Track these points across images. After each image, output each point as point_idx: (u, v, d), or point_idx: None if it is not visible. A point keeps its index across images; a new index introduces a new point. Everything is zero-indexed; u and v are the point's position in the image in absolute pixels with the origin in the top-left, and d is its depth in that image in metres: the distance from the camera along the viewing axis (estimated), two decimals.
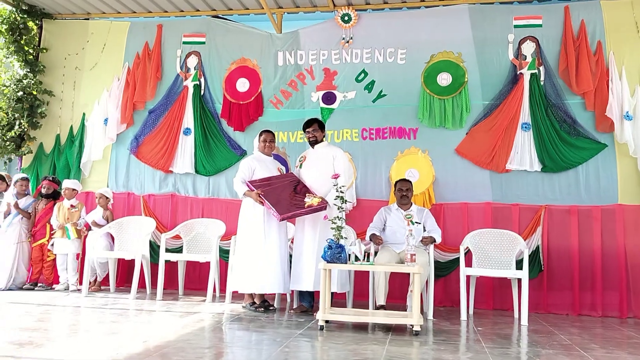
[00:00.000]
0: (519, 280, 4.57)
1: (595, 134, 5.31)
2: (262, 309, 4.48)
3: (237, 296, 4.89)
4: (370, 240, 4.89)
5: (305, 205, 4.38)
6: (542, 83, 5.45)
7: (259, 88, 6.04)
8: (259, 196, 4.40)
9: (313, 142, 4.75)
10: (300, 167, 4.79)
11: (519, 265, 4.69)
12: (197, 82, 6.14)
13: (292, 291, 4.77)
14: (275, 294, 4.71)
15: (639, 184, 5.03)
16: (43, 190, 5.74)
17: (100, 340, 3.23)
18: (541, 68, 5.48)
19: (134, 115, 6.23)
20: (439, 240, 4.85)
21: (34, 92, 6.27)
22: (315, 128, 4.72)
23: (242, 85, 6.06)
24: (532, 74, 5.47)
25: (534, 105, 5.41)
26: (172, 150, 6.05)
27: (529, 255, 4.91)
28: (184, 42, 6.26)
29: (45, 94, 6.34)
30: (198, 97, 6.09)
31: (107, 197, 5.78)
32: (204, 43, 6.22)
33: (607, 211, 5.16)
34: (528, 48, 5.53)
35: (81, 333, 3.56)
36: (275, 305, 4.72)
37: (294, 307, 4.65)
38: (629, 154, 5.16)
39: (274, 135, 4.88)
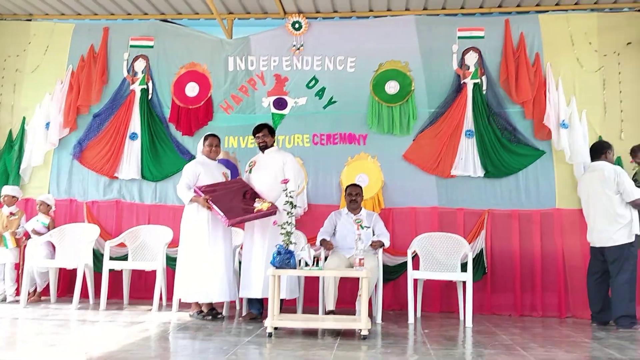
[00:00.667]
0: (464, 282, 4.71)
1: (534, 141, 5.55)
2: (210, 317, 4.42)
3: (184, 305, 4.78)
4: (321, 245, 4.92)
5: (255, 210, 4.36)
6: (484, 92, 5.66)
7: (208, 93, 5.98)
8: (207, 202, 4.35)
9: (263, 147, 4.74)
10: (250, 172, 4.77)
11: (464, 268, 4.82)
12: (145, 86, 6.01)
13: (241, 298, 4.73)
14: (223, 302, 4.66)
15: (574, 189, 5.28)
16: None
17: (38, 353, 3.10)
18: (483, 78, 5.68)
19: (77, 120, 6.03)
20: (387, 244, 4.94)
21: None
22: (265, 133, 4.71)
23: (192, 89, 5.98)
24: (475, 84, 5.67)
25: (476, 113, 5.60)
26: (118, 155, 5.89)
27: (474, 258, 5.11)
28: (132, 46, 6.12)
29: None
30: (145, 101, 5.96)
31: (48, 204, 5.56)
32: (152, 47, 6.11)
33: (545, 215, 5.39)
34: (471, 58, 5.73)
35: (19, 345, 3.41)
36: (223, 313, 4.67)
37: (243, 314, 4.61)
38: (565, 161, 5.42)
39: (219, 139, 4.86)
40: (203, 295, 4.38)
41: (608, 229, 4.57)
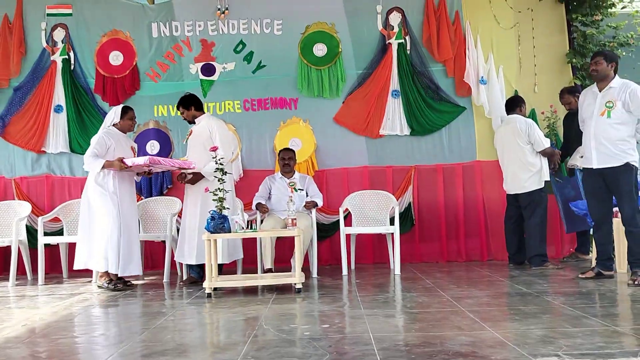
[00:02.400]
0: (392, 234, 5.01)
1: (456, 98, 5.85)
2: (120, 286, 4.38)
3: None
4: (257, 209, 5.07)
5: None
6: (408, 52, 5.86)
7: (133, 61, 5.87)
8: (122, 161, 4.30)
9: (190, 122, 4.82)
10: (186, 142, 4.87)
11: (392, 222, 5.12)
12: (66, 57, 5.82)
13: (181, 263, 4.84)
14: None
15: (493, 142, 5.63)
16: None
17: None
18: (407, 38, 5.88)
19: None
20: (320, 204, 5.16)
21: None
22: (181, 110, 4.75)
23: (116, 58, 5.85)
24: (399, 44, 5.86)
25: (402, 73, 5.81)
26: (44, 129, 5.73)
27: (402, 212, 5.43)
28: (48, 14, 5.87)
29: None
30: (68, 72, 5.79)
31: None
32: (70, 15, 5.88)
33: (467, 167, 5.75)
34: (395, 19, 5.90)
35: None
36: (165, 278, 4.78)
37: (184, 279, 4.74)
38: (484, 115, 5.76)
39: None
40: (115, 267, 4.30)
41: (521, 177, 4.95)
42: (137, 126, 5.78)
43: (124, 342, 2.63)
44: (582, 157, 4.41)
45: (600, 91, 4.07)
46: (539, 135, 4.93)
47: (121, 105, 4.74)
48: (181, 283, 4.66)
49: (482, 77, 5.79)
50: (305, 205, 5.03)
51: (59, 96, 5.79)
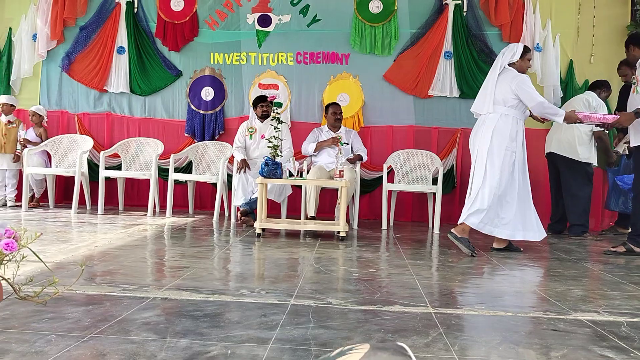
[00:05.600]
0: (434, 194, 5.15)
1: None
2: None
3: (177, 211, 5.16)
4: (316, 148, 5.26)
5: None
6: (464, 14, 5.83)
7: (194, 8, 6.02)
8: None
9: (265, 116, 5.11)
10: (251, 137, 5.15)
11: (435, 182, 5.25)
12: (130, 0, 6.02)
13: (238, 207, 5.04)
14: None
15: None
16: None
17: (53, 246, 3.45)
18: None
19: (64, 32, 6.08)
20: (365, 158, 5.33)
21: None
22: (268, 104, 5.10)
23: (177, 4, 6.01)
24: (456, 5, 5.83)
25: (456, 35, 5.80)
26: (106, 69, 6.02)
27: (444, 174, 5.53)
28: None
29: None
30: (131, 15, 6.01)
31: (40, 115, 5.74)
32: None
33: None
34: None
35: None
36: (215, 218, 5.07)
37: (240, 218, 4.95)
38: (536, 82, 5.73)
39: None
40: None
41: (572, 144, 4.95)
42: (194, 72, 6.00)
43: (189, 268, 2.89)
44: (626, 143, 4.40)
45: None
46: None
47: (522, 44, 4.12)
48: (239, 221, 4.92)
49: (538, 44, 5.74)
50: (349, 160, 5.20)
51: (122, 38, 6.03)
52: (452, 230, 3.84)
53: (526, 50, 4.02)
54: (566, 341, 1.85)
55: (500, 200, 3.83)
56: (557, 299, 2.48)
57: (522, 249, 4.01)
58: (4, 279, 1.17)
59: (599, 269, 3.41)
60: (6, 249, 1.07)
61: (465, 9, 5.83)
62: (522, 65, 3.98)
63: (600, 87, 5.14)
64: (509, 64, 3.99)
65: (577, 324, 2.07)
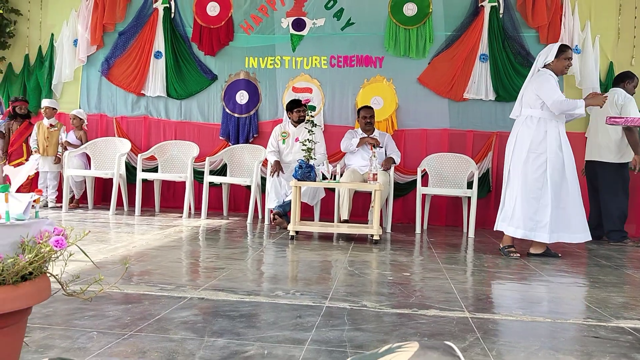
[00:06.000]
0: (469, 198, 5.08)
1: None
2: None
3: (212, 213, 5.24)
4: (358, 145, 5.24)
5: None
6: (500, 16, 5.74)
7: (229, 12, 6.11)
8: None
9: (300, 121, 5.18)
10: (283, 142, 5.20)
11: (470, 186, 5.17)
12: (167, 5, 6.15)
13: (271, 210, 5.08)
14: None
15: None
16: (19, 111, 5.84)
17: (93, 245, 3.55)
18: (501, 1, 5.74)
19: (104, 37, 6.26)
20: (398, 161, 5.29)
21: (0, 11, 6.17)
22: (304, 109, 5.13)
23: (213, 9, 6.11)
24: (492, 7, 5.74)
25: (492, 37, 5.72)
26: (144, 73, 6.16)
27: (480, 178, 5.44)
28: None
29: (12, 13, 6.25)
30: (168, 21, 6.14)
31: (80, 118, 5.91)
32: None
33: None
34: None
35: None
36: (249, 220, 5.12)
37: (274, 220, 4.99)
38: (574, 85, 5.60)
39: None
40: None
41: (604, 147, 4.84)
42: (229, 76, 6.09)
43: (224, 269, 2.93)
44: None
45: None
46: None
47: (559, 43, 4.05)
48: (272, 223, 4.95)
49: (577, 45, 5.60)
50: (383, 164, 5.17)
51: (159, 43, 6.17)
52: (509, 250, 3.87)
53: (562, 49, 3.92)
54: (608, 348, 1.80)
55: (533, 203, 3.75)
56: (597, 306, 2.41)
57: (560, 255, 3.92)
58: (52, 275, 1.21)
59: None
60: (56, 246, 1.11)
61: (501, 11, 5.75)
62: (557, 65, 3.90)
63: (624, 79, 4.98)
64: (545, 66, 3.92)
65: (619, 331, 2.01)
